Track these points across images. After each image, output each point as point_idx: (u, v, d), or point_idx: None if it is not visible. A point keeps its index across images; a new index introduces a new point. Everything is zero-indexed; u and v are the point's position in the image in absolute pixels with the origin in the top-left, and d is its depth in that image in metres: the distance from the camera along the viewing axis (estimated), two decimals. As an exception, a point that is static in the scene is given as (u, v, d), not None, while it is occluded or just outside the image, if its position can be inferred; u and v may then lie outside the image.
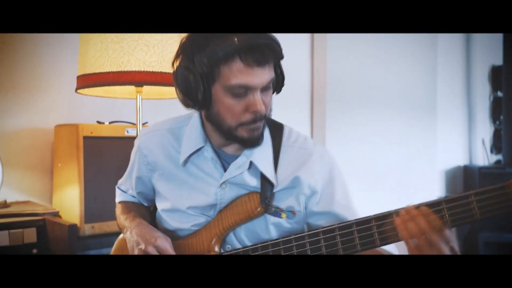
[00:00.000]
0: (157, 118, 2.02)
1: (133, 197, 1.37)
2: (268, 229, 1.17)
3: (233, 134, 1.11)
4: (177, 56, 1.13)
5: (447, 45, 4.24)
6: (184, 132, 1.21)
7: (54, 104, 2.08)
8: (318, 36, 3.20)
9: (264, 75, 1.06)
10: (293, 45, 3.12)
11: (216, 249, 1.16)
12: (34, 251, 1.62)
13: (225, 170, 1.17)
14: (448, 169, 4.33)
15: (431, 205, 1.00)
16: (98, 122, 2.00)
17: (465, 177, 4.28)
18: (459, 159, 4.44)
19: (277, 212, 1.16)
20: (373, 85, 3.51)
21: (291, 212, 1.17)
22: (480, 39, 4.54)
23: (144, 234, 1.16)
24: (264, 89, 1.08)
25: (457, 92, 4.46)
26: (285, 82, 1.17)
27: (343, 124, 3.33)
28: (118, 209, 1.36)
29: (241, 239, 1.18)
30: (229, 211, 1.16)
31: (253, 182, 1.16)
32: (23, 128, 2.01)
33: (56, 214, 1.76)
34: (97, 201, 1.85)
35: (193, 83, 1.07)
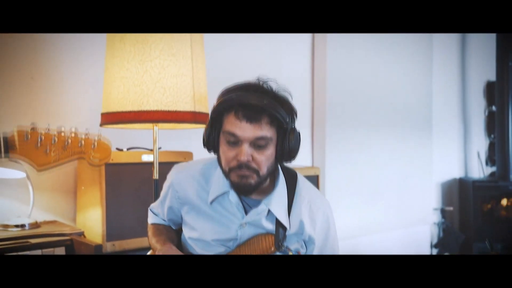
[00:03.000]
0: (169, 144, 2.25)
1: (164, 220, 1.57)
2: None
3: (228, 178, 1.32)
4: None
5: (442, 61, 4.43)
6: (213, 174, 1.40)
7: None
8: (318, 58, 3.40)
9: (253, 130, 1.24)
10: (294, 66, 3.33)
11: None
12: (63, 267, 1.83)
13: (246, 212, 1.36)
14: (444, 181, 4.51)
15: None
16: (117, 149, 2.21)
17: (460, 190, 4.47)
18: (455, 172, 4.62)
19: (285, 251, 1.35)
20: (372, 102, 3.69)
21: (297, 253, 1.37)
22: (475, 55, 4.72)
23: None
24: (256, 146, 1.26)
25: (453, 107, 4.64)
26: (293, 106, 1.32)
27: (344, 140, 3.51)
28: (150, 230, 1.55)
29: None
30: (247, 247, 1.35)
31: (269, 225, 1.36)
32: (50, 154, 2.21)
33: (82, 234, 1.96)
34: (117, 221, 2.05)
35: (207, 128, 1.31)
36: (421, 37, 4.14)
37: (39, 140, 1.44)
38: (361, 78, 3.62)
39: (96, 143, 1.49)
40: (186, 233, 1.47)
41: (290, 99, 1.32)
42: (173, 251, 1.38)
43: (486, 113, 4.79)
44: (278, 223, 1.34)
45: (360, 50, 3.60)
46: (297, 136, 1.32)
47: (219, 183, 1.37)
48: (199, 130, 2.32)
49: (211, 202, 1.38)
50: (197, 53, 1.86)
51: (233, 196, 1.35)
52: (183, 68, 1.80)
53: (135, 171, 2.11)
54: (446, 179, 4.53)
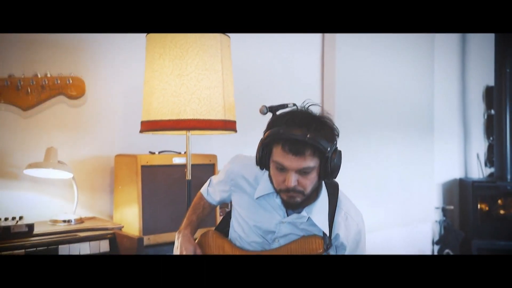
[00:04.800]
0: (199, 147, 2.46)
1: (212, 199, 1.82)
2: None
3: (278, 193, 1.53)
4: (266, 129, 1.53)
5: (443, 67, 4.65)
6: (262, 177, 1.61)
7: (111, 137, 2.52)
8: (327, 47, 3.62)
9: (298, 161, 1.42)
10: (304, 81, 3.55)
11: None
12: (108, 258, 2.05)
13: (287, 213, 1.58)
14: (445, 181, 4.73)
15: None
16: (150, 152, 2.44)
17: (460, 189, 4.68)
18: (456, 173, 4.84)
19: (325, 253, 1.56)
20: (377, 106, 3.91)
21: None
22: (474, 61, 4.93)
23: (185, 247, 1.67)
24: (301, 172, 1.44)
25: (454, 111, 4.85)
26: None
27: (350, 143, 3.72)
28: (196, 198, 1.85)
29: None
30: (297, 245, 1.56)
31: (306, 227, 1.57)
32: (89, 157, 2.45)
33: (121, 228, 2.19)
34: (152, 218, 2.29)
35: (259, 151, 1.51)
36: (423, 43, 4.35)
37: (18, 83, 1.59)
38: (367, 84, 3.83)
39: (70, 79, 1.63)
40: (235, 213, 1.69)
41: (331, 123, 1.49)
42: (187, 238, 1.68)
43: (485, 117, 5.00)
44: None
45: (368, 59, 3.82)
46: (338, 157, 1.47)
47: (266, 185, 1.59)
48: (220, 136, 2.56)
49: (257, 198, 1.61)
50: (226, 68, 2.09)
51: (278, 199, 1.57)
52: (214, 81, 2.03)
53: (167, 172, 2.34)
54: (447, 179, 4.75)
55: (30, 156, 2.21)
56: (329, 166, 1.44)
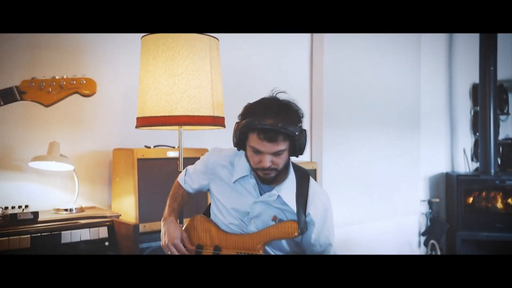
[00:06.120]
0: (191, 142, 2.63)
1: (190, 187, 1.99)
2: (283, 243, 1.80)
3: (254, 172, 1.75)
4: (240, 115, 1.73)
5: (430, 65, 4.81)
6: (238, 162, 1.83)
7: (109, 133, 2.70)
8: (316, 57, 3.80)
9: (272, 147, 1.64)
10: (294, 53, 3.72)
11: (261, 251, 1.76)
12: (106, 243, 2.23)
13: (260, 193, 1.79)
14: (432, 175, 4.90)
15: None
16: (146, 146, 2.62)
17: (446, 183, 4.86)
18: (443, 167, 5.01)
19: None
20: (365, 102, 4.06)
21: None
22: (461, 58, 5.08)
23: (170, 232, 1.86)
24: (275, 154, 1.66)
25: (441, 107, 5.01)
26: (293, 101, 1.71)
27: (339, 138, 3.90)
28: (174, 187, 2.04)
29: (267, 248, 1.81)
30: (275, 229, 1.75)
31: (278, 205, 1.77)
32: (89, 151, 2.63)
33: (119, 217, 2.37)
34: (147, 207, 2.47)
35: (236, 136, 1.72)
36: (410, 41, 4.50)
37: (41, 84, 1.84)
38: (355, 81, 3.99)
39: (84, 80, 1.87)
40: (213, 201, 1.90)
41: (297, 107, 1.70)
42: (173, 225, 1.87)
43: (472, 113, 5.16)
44: (299, 214, 1.74)
45: (356, 57, 3.99)
46: (304, 136, 1.69)
47: (241, 169, 1.81)
48: (212, 132, 2.74)
49: (234, 182, 1.82)
50: (215, 68, 2.27)
51: (252, 179, 1.79)
52: (204, 81, 2.21)
53: (161, 165, 2.53)
54: (434, 173, 4.92)
55: (34, 151, 2.40)
56: (297, 146, 1.67)
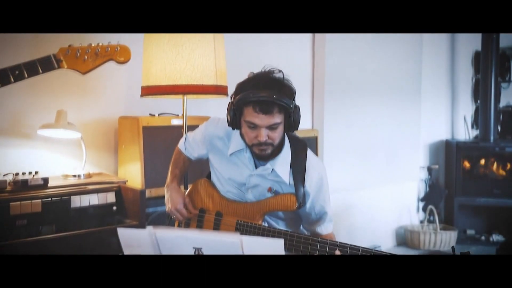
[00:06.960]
0: (195, 110, 2.68)
1: (191, 154, 2.04)
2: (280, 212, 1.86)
3: (250, 148, 1.78)
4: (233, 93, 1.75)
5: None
6: (234, 135, 1.85)
7: (115, 100, 2.76)
8: (318, 35, 3.81)
9: (268, 119, 1.65)
10: (296, 44, 3.74)
11: (260, 221, 1.82)
12: (114, 208, 2.32)
13: (256, 166, 1.83)
14: (432, 142, 4.97)
15: None
16: (150, 114, 2.68)
17: (446, 150, 4.92)
18: (443, 134, 5.07)
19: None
20: (366, 70, 4.09)
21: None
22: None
23: (173, 198, 1.93)
24: (270, 128, 1.68)
25: (442, 75, 5.03)
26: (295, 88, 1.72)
27: (340, 105, 3.95)
28: (175, 154, 2.08)
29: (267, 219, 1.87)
30: (274, 201, 1.79)
31: (272, 178, 1.81)
32: (95, 119, 2.70)
33: (125, 182, 2.45)
34: (152, 173, 2.54)
35: (230, 114, 1.74)
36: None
37: (77, 52, 1.87)
38: (358, 46, 4.01)
39: (118, 47, 1.90)
40: (213, 169, 1.95)
41: (289, 83, 1.72)
42: (175, 190, 1.94)
43: (473, 81, 5.18)
44: (298, 188, 1.78)
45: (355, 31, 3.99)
46: (298, 112, 1.71)
47: (237, 142, 1.83)
48: (215, 100, 2.79)
49: (230, 155, 1.86)
50: (218, 38, 2.30)
51: (247, 153, 1.83)
52: (207, 50, 2.25)
53: (166, 133, 2.59)
54: (434, 140, 4.98)
55: (42, 118, 2.46)
56: (292, 119, 1.70)
